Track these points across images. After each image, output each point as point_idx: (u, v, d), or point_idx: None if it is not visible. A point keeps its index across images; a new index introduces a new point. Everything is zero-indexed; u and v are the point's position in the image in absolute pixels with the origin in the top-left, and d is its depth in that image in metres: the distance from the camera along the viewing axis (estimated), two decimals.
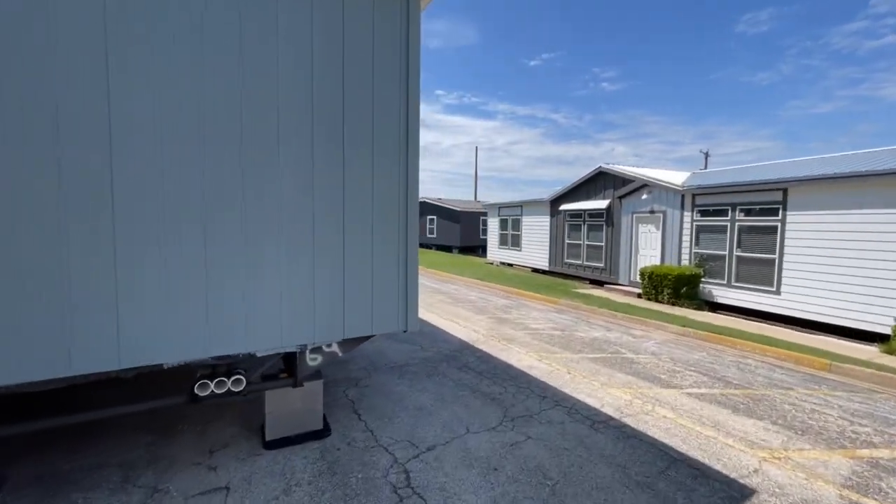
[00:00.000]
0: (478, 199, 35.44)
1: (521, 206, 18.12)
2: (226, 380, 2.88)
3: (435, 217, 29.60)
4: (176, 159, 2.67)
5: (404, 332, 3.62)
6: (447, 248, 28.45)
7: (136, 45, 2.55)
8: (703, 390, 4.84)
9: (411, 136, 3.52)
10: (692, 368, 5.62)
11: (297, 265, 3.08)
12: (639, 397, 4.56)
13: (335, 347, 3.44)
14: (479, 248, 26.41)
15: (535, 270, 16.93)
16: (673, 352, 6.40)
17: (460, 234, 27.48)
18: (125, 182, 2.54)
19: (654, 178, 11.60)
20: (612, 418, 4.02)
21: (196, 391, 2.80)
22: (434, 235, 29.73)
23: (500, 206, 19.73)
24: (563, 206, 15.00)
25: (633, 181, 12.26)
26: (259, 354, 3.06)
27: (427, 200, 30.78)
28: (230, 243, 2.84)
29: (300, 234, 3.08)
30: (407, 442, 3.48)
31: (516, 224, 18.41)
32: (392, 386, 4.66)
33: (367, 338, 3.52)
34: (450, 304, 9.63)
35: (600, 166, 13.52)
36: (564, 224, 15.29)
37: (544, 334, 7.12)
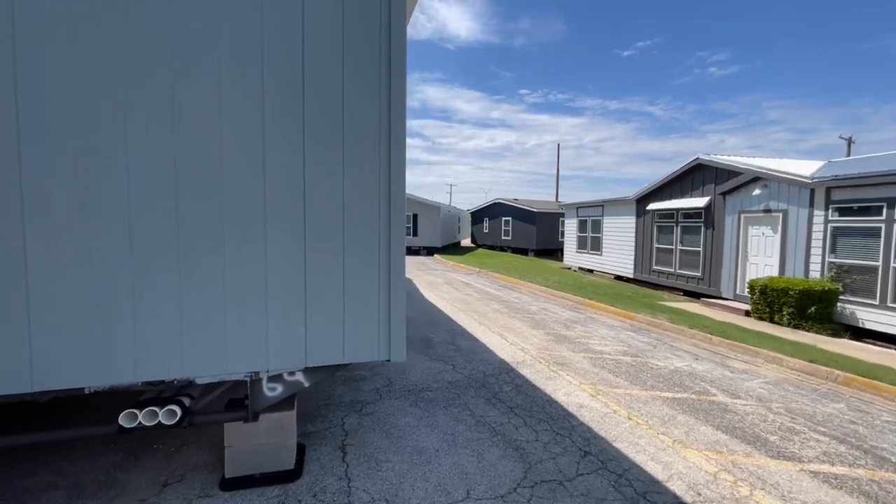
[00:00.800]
0: (559, 200, 33.29)
1: (601, 205, 16.24)
2: (157, 410, 2.43)
3: (510, 218, 28.41)
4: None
5: (387, 361, 2.88)
6: (523, 251, 27.10)
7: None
8: (837, 468, 3.30)
9: (395, 123, 2.77)
10: (821, 429, 3.99)
11: (244, 277, 2.52)
12: (729, 469, 3.23)
13: (300, 377, 2.83)
14: (558, 252, 24.61)
15: (618, 278, 14.99)
16: (791, 398, 4.71)
17: (536, 236, 25.94)
18: (33, 184, 2.20)
19: (770, 170, 9.28)
20: (681, 503, 2.82)
21: (121, 422, 2.38)
22: (509, 238, 28.55)
23: (579, 207, 17.97)
24: (652, 206, 12.96)
25: (741, 174, 9.98)
26: (198, 381, 2.57)
27: (501, 201, 29.72)
28: (161, 251, 2.38)
29: (248, 239, 2.52)
30: (384, 503, 2.73)
31: (596, 226, 16.56)
32: (399, 416, 3.94)
33: (341, 366, 2.85)
34: (505, 314, 8.65)
35: (697, 158, 11.33)
36: (653, 226, 13.22)
37: (608, 360, 5.83)
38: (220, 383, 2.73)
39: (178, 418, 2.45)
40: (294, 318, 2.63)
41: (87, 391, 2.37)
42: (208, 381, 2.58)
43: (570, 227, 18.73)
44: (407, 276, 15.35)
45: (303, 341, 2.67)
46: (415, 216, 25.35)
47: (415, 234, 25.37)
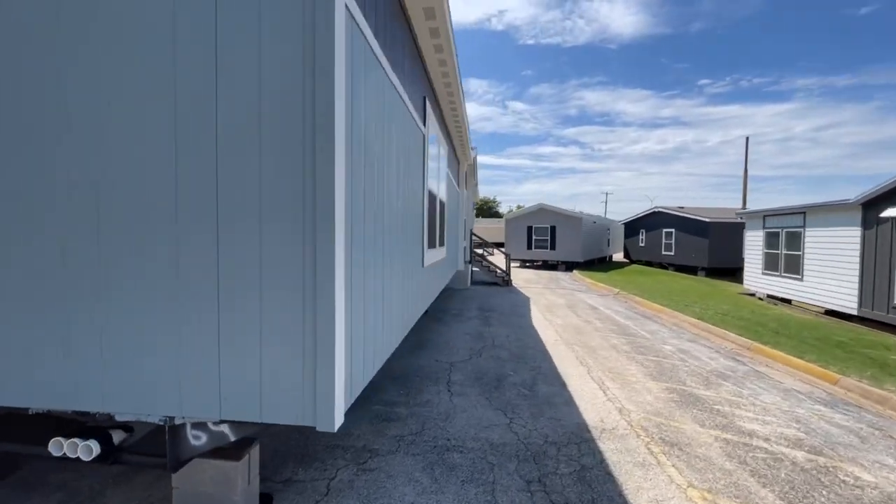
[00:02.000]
0: (745, 207, 26.43)
1: (802, 212, 11.92)
2: (78, 443, 2.28)
3: (672, 230, 23.88)
4: None
5: (314, 428, 2.16)
6: (689, 270, 22.39)
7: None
8: None
9: (321, 111, 2.08)
10: None
11: (153, 303, 2.20)
12: None
13: (225, 428, 2.36)
14: (739, 272, 19.34)
15: (831, 313, 10.64)
16: None
17: (709, 251, 21.08)
18: None
19: None
20: None
21: (50, 448, 2.32)
22: (670, 253, 24.00)
23: (767, 215, 13.68)
24: (893, 212, 8.73)
25: None
26: (118, 418, 2.35)
27: (662, 210, 25.27)
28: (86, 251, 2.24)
29: (158, 255, 2.19)
30: None
31: (794, 240, 12.24)
32: (400, 483, 3.14)
33: (266, 424, 2.27)
34: (622, 354, 6.80)
35: None
36: (894, 241, 8.89)
37: (759, 451, 3.75)
38: (146, 424, 2.48)
39: (94, 455, 2.27)
40: (207, 358, 2.19)
41: (30, 412, 2.40)
42: (127, 419, 2.34)
43: (754, 242, 14.39)
44: (528, 294, 14.15)
45: (217, 388, 2.19)
46: (552, 228, 23.65)
47: (552, 247, 23.65)
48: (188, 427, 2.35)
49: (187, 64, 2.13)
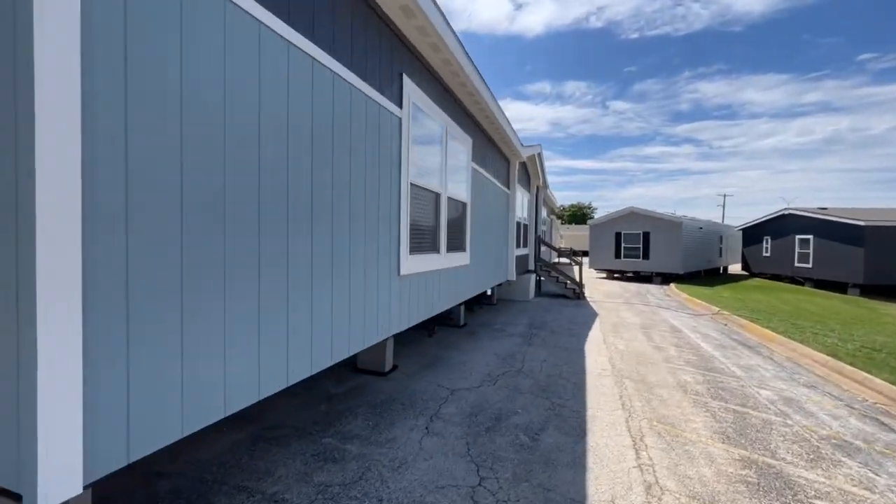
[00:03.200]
0: None
1: None
2: None
3: (810, 237, 19.22)
4: None
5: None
6: (837, 287, 17.74)
7: None
8: None
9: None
10: None
11: None
12: None
13: None
14: None
15: None
16: None
17: (865, 263, 16.41)
18: None
19: None
20: None
21: None
22: (807, 264, 19.30)
23: None
24: None
25: None
26: None
27: (795, 212, 20.56)
28: None
29: None
30: None
31: None
32: None
33: None
34: (690, 398, 5.06)
35: None
36: None
37: None
38: None
39: None
40: None
41: None
42: None
43: None
44: (599, 309, 12.19)
45: None
46: (644, 235, 20.73)
47: (644, 256, 20.69)
48: None
49: None
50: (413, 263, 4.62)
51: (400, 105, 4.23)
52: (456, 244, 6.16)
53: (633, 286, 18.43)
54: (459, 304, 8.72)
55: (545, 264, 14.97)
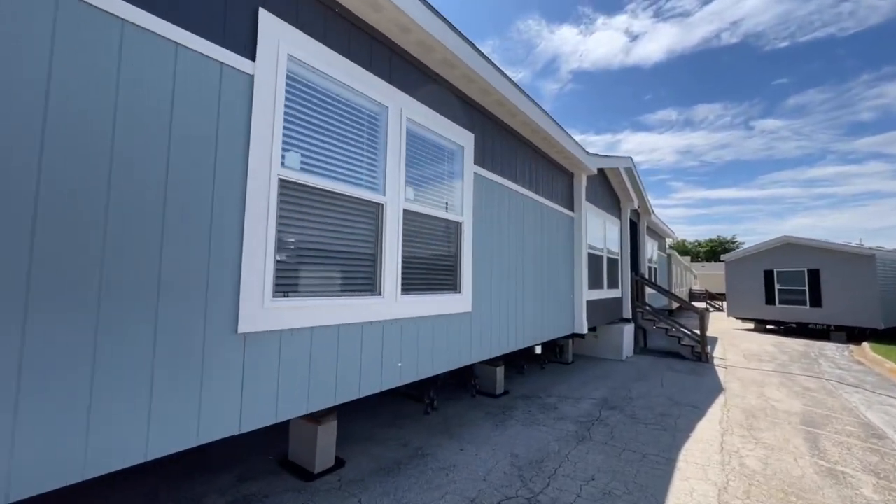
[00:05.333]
0: None
1: None
2: None
3: None
4: None
5: None
6: None
7: None
8: None
9: None
10: None
11: None
12: None
13: None
14: None
15: None
16: None
17: None
18: None
19: None
20: None
21: None
22: None
23: None
24: None
25: None
26: None
27: None
28: None
29: None
30: None
31: None
32: None
33: None
34: None
35: None
36: None
37: None
38: None
39: None
40: None
41: None
42: None
43: None
44: (730, 380, 8.30)
45: None
46: (812, 273, 15.17)
47: (813, 302, 15.01)
48: None
49: None
50: (292, 313, 2.82)
51: (254, 59, 2.71)
52: (435, 281, 4.18)
53: (798, 344, 13.10)
54: (495, 366, 6.44)
55: (651, 311, 11.45)
